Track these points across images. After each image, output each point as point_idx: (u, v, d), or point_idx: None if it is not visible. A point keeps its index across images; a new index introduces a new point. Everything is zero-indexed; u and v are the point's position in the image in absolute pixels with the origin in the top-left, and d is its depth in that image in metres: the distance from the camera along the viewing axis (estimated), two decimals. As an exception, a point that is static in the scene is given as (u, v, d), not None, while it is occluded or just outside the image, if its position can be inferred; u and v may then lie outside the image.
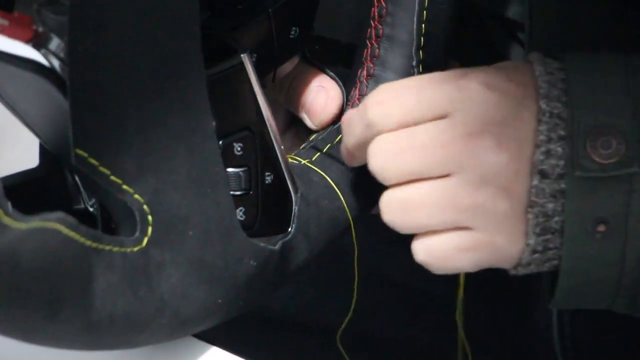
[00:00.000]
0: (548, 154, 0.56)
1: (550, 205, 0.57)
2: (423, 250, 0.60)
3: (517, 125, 0.57)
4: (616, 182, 0.56)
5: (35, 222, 0.43)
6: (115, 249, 0.49)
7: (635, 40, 0.69)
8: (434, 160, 0.57)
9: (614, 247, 0.57)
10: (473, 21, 0.80)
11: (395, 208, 0.59)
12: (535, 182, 0.56)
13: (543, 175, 0.56)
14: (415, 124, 0.58)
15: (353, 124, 0.61)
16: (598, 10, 0.71)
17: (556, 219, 0.57)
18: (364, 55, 0.69)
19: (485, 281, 0.72)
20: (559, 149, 0.56)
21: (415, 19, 0.63)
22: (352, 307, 0.68)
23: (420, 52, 0.64)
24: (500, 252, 0.59)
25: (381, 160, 0.59)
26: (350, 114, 0.62)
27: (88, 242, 0.46)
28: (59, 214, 0.44)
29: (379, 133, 0.59)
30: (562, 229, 0.57)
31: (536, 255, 0.58)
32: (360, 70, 0.69)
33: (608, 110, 0.57)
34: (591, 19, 0.71)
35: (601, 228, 0.57)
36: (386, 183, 0.59)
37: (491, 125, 0.57)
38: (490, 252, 0.59)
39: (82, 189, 0.62)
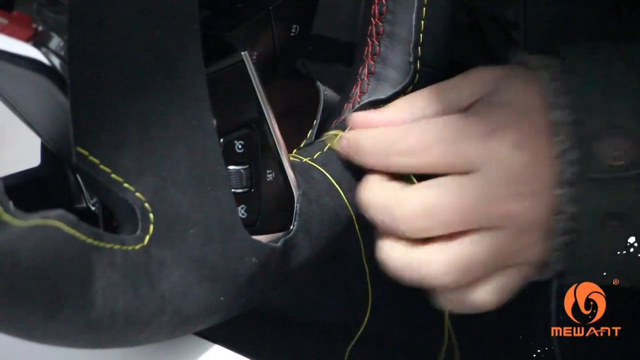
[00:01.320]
0: (570, 163, 0.57)
1: (572, 208, 0.58)
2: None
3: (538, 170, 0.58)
4: (627, 182, 0.57)
5: (35, 220, 0.43)
6: (117, 247, 0.49)
7: (629, 38, 0.70)
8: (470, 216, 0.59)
9: (624, 237, 0.58)
10: (468, 21, 0.80)
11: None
12: (561, 191, 0.57)
13: (569, 184, 0.57)
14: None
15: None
16: (591, 9, 0.71)
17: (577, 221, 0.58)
18: (365, 53, 0.69)
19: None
20: (576, 156, 0.57)
21: (414, 15, 0.63)
22: (370, 304, 0.69)
23: (419, 49, 0.64)
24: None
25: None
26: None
27: (89, 240, 0.46)
28: (60, 212, 0.44)
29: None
30: (578, 228, 0.58)
31: (557, 253, 0.60)
32: (361, 68, 0.69)
33: (614, 111, 0.57)
34: (584, 18, 0.71)
35: (612, 223, 0.58)
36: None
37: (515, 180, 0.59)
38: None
39: (84, 188, 0.62)
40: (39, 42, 0.52)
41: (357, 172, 0.65)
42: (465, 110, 0.61)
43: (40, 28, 0.52)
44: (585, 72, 0.59)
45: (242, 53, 0.58)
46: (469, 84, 0.61)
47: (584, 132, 0.57)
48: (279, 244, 0.58)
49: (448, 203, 0.58)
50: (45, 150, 0.61)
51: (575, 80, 0.58)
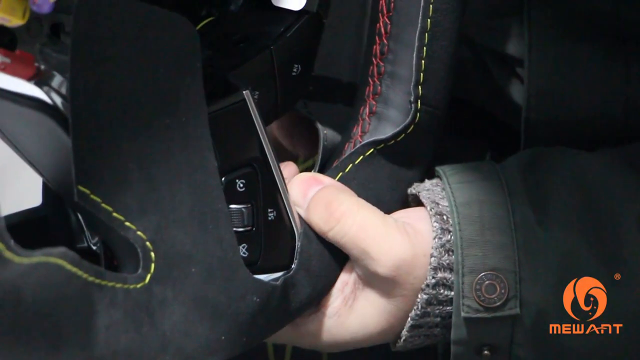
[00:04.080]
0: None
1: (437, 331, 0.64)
2: None
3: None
4: (501, 319, 0.61)
5: (37, 257, 0.43)
6: (118, 285, 0.49)
7: (634, 78, 0.70)
8: None
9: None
10: (472, 57, 0.80)
11: None
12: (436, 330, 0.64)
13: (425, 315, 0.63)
14: None
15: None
16: (597, 48, 0.71)
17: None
18: (366, 93, 0.69)
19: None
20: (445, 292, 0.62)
21: (414, 54, 0.63)
22: None
23: (420, 88, 0.64)
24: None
25: None
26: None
27: (91, 278, 0.46)
28: (62, 249, 0.44)
29: None
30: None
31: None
32: (362, 108, 0.69)
33: (491, 253, 0.61)
34: (590, 57, 0.71)
35: (487, 352, 0.62)
36: None
37: None
38: None
39: (85, 227, 0.62)
40: (41, 80, 0.52)
41: None
42: None
43: (42, 67, 0.52)
44: (466, 207, 0.62)
45: (244, 92, 0.58)
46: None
47: (461, 272, 0.61)
48: (279, 282, 0.58)
49: None
50: (46, 190, 0.62)
51: (457, 218, 0.62)
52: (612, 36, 0.71)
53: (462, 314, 0.61)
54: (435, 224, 0.62)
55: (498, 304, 0.60)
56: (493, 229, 0.61)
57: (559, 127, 0.73)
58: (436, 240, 0.61)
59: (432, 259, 0.61)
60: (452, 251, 0.61)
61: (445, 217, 0.62)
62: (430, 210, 0.63)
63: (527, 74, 0.73)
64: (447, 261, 0.61)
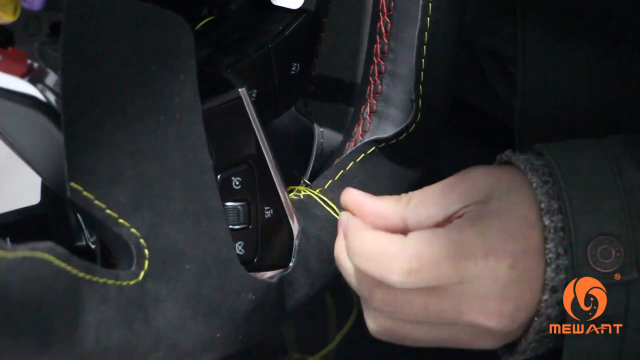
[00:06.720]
0: (558, 269, 0.58)
1: (554, 312, 0.59)
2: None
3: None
4: (617, 287, 0.58)
5: (23, 252, 0.43)
6: (110, 281, 0.49)
7: (627, 75, 0.70)
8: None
9: (614, 340, 0.59)
10: (466, 56, 0.80)
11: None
12: (545, 297, 0.58)
13: (554, 290, 0.58)
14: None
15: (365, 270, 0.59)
16: (591, 47, 0.71)
17: (557, 319, 0.59)
18: (367, 92, 0.69)
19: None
20: (567, 262, 0.58)
21: (414, 54, 0.63)
22: None
23: (420, 87, 0.64)
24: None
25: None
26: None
27: (81, 274, 0.46)
28: (48, 244, 0.44)
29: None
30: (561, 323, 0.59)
31: (533, 344, 0.60)
32: (363, 107, 0.69)
33: (603, 218, 0.58)
34: (583, 56, 0.71)
35: (604, 327, 0.58)
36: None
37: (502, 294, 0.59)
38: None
39: (83, 225, 0.62)
40: (35, 78, 0.52)
41: None
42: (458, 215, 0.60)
43: (35, 64, 0.52)
44: (572, 174, 0.59)
45: (240, 89, 0.58)
46: (462, 191, 0.60)
47: (574, 238, 0.57)
48: (275, 279, 0.58)
49: (435, 260, 0.57)
50: (45, 188, 0.62)
51: (563, 184, 0.59)
52: (605, 35, 0.71)
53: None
54: (540, 197, 0.59)
55: (613, 269, 0.57)
56: (602, 194, 0.58)
57: (553, 125, 0.73)
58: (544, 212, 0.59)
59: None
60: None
61: (548, 184, 0.59)
62: (531, 176, 0.60)
63: (521, 73, 0.73)
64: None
